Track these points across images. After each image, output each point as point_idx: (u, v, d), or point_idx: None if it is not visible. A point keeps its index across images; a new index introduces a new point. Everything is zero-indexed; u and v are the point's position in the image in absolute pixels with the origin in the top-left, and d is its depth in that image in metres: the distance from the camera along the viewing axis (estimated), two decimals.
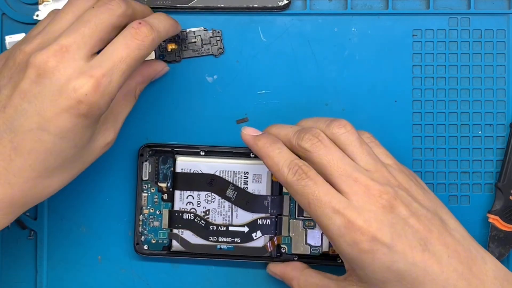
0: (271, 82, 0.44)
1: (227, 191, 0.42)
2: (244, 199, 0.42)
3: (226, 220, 0.42)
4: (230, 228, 0.42)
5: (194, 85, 0.44)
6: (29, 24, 0.43)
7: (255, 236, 0.42)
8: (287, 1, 0.43)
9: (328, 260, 0.42)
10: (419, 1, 0.44)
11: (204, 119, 0.44)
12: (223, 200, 0.42)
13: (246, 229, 0.42)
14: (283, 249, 0.42)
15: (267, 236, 0.42)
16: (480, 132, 0.44)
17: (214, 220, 0.42)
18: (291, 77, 0.44)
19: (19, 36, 0.43)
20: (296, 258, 0.42)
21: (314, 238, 0.42)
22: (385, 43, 0.44)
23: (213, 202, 0.42)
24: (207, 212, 0.42)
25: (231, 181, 0.42)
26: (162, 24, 0.37)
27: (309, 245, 0.42)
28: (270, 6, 0.43)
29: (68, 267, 0.44)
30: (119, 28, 0.36)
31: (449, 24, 0.44)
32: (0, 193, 0.33)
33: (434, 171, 0.44)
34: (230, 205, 0.42)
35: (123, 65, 0.34)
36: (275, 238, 0.42)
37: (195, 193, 0.42)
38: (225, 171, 0.42)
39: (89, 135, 0.35)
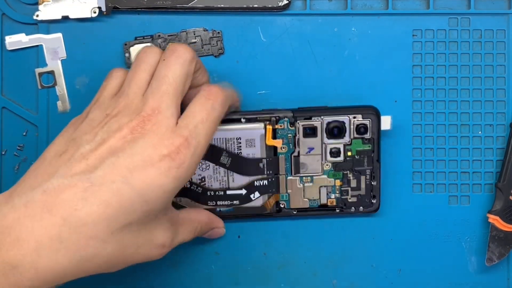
0: (271, 82, 0.44)
1: (221, 158, 0.41)
2: (239, 164, 0.41)
3: (222, 184, 0.42)
4: (228, 192, 0.42)
5: None
6: (29, 24, 0.43)
7: (253, 197, 0.42)
8: (287, 1, 0.43)
9: (327, 211, 0.43)
10: (419, 1, 0.44)
11: None
12: (218, 166, 0.42)
13: (243, 191, 0.42)
14: (282, 204, 0.43)
15: (265, 196, 0.42)
16: (480, 132, 0.44)
17: (211, 185, 0.42)
18: (291, 77, 0.44)
19: (19, 36, 0.43)
20: (295, 212, 0.43)
21: (312, 193, 0.42)
22: (385, 43, 0.44)
23: (208, 169, 0.41)
24: (203, 179, 0.42)
25: (224, 148, 0.41)
26: (226, 87, 0.38)
27: (308, 198, 0.43)
28: (270, 6, 0.43)
29: None
30: (191, 76, 0.37)
31: (449, 24, 0.44)
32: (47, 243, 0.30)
33: (434, 171, 0.44)
34: (226, 170, 0.42)
35: (205, 126, 0.35)
36: (272, 196, 0.42)
37: None
38: (217, 138, 0.41)
39: (159, 210, 0.34)
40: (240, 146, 0.41)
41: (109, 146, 0.33)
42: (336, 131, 0.41)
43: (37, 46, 0.44)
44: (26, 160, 0.44)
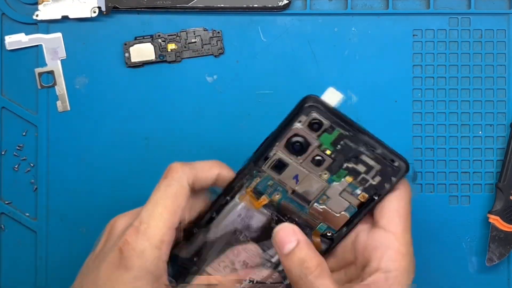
0: (271, 82, 0.44)
1: (245, 250, 0.38)
2: (259, 239, 0.37)
3: (267, 265, 0.37)
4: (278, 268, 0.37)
5: (194, 85, 0.44)
6: (29, 24, 0.43)
7: None
8: (287, 1, 0.43)
9: (369, 204, 0.37)
10: (419, 1, 0.44)
11: (204, 119, 0.44)
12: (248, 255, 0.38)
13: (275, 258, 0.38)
14: (329, 233, 0.37)
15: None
16: (480, 132, 0.44)
17: (262, 276, 0.38)
18: (291, 77, 0.44)
19: (19, 36, 0.43)
20: (346, 229, 0.37)
21: (340, 204, 0.37)
22: (385, 43, 0.44)
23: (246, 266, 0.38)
24: (253, 281, 0.37)
25: (235, 239, 0.37)
26: (202, 165, 0.36)
27: (342, 211, 0.37)
28: (270, 6, 0.43)
29: (68, 267, 0.44)
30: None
31: (449, 24, 0.44)
32: None
33: (435, 171, 0.44)
34: (258, 253, 0.37)
35: (158, 206, 0.34)
36: (312, 236, 0.37)
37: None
38: (221, 235, 0.37)
39: None
40: (243, 233, 0.37)
41: (93, 257, 0.35)
42: (297, 146, 0.36)
43: (37, 46, 0.44)
44: (26, 160, 0.44)
